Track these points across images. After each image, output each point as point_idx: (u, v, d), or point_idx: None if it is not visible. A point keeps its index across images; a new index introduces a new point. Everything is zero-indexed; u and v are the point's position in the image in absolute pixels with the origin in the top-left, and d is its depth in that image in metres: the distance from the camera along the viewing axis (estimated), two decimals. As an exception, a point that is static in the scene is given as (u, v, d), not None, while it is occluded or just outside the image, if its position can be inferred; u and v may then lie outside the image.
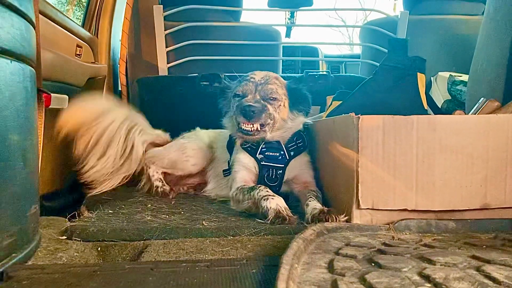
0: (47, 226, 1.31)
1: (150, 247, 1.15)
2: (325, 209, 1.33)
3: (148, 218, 1.42)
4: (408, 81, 1.55)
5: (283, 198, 1.49)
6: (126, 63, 2.83)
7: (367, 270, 0.81)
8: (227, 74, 2.63)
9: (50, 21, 1.97)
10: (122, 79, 2.80)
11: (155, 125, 2.63)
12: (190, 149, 1.98)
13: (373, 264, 0.86)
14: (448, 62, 2.91)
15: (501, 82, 1.65)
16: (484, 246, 1.01)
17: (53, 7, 2.04)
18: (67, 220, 1.40)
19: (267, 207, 1.36)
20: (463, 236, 1.16)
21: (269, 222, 1.32)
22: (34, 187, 1.08)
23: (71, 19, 2.29)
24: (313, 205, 1.37)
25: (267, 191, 1.44)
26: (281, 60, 3.10)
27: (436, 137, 1.23)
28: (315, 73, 2.79)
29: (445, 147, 1.23)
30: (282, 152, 1.62)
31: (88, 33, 2.54)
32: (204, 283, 0.81)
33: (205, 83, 2.61)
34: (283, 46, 3.99)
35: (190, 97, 2.60)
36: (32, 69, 1.12)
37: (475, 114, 1.51)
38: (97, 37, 2.68)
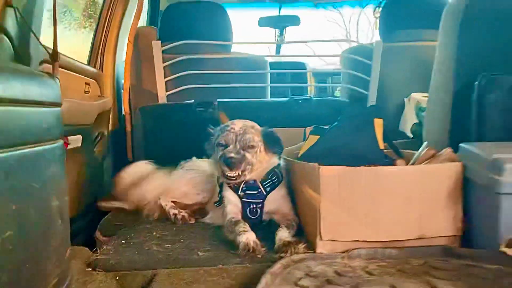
0: (74, 257, 1.64)
1: (157, 276, 1.48)
2: (287, 240, 1.65)
3: (154, 248, 1.75)
4: (367, 127, 1.88)
5: (267, 225, 1.85)
6: (129, 93, 3.15)
7: (312, 300, 1.15)
8: (220, 100, 2.96)
9: (64, 70, 2.28)
10: (125, 108, 3.13)
11: (157, 149, 2.96)
12: (201, 183, 2.26)
13: (319, 294, 1.19)
14: (420, 84, 3.19)
15: (447, 123, 1.99)
16: (407, 273, 1.34)
17: (65, 55, 2.36)
18: (90, 251, 1.74)
19: (239, 241, 1.68)
20: (400, 262, 1.48)
21: (238, 253, 1.64)
22: (68, 235, 1.41)
23: (79, 61, 2.61)
24: (280, 236, 1.70)
25: (244, 226, 1.76)
26: (269, 87, 3.40)
27: (380, 184, 1.57)
28: (298, 98, 3.10)
29: (387, 191, 1.57)
30: (259, 190, 1.94)
31: (94, 70, 2.86)
32: (197, 312, 1.15)
33: (200, 109, 2.94)
34: (273, 62, 4.30)
35: (188, 122, 2.91)
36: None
37: (417, 157, 1.84)
38: (102, 71, 3.00)
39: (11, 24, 1.53)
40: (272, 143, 1.99)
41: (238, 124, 1.95)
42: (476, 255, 1.47)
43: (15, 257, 1.03)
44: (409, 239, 1.59)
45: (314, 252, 1.62)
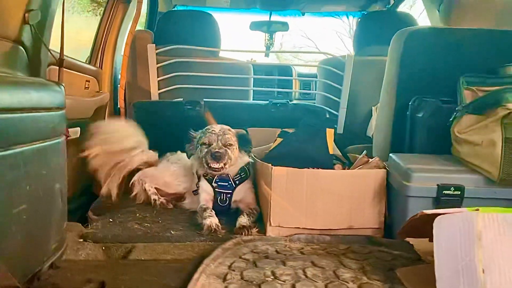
0: (69, 230, 2.01)
1: (135, 248, 1.85)
2: (243, 225, 2.03)
3: (136, 226, 2.12)
4: (319, 135, 2.25)
5: (234, 212, 2.23)
6: (125, 90, 3.52)
7: (248, 267, 1.53)
8: (206, 99, 3.33)
9: (67, 70, 2.64)
10: (121, 103, 3.49)
11: (148, 141, 3.31)
12: (181, 175, 2.62)
13: (254, 264, 1.57)
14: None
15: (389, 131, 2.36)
16: (331, 254, 1.72)
17: (70, 57, 2.72)
18: (82, 226, 2.12)
19: (204, 223, 2.07)
20: (331, 246, 1.86)
21: (203, 232, 2.02)
22: (65, 211, 1.78)
23: (80, 61, 2.98)
24: (239, 221, 2.08)
25: (210, 212, 2.14)
26: (251, 90, 3.77)
27: (318, 183, 1.95)
28: (276, 102, 3.47)
29: (324, 189, 1.95)
30: (230, 182, 2.31)
31: (94, 68, 3.23)
32: (162, 272, 1.52)
33: (188, 107, 3.31)
34: (261, 65, 4.67)
35: (177, 119, 3.28)
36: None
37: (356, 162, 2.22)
38: (101, 69, 3.37)
39: (27, 38, 1.90)
40: (244, 144, 2.36)
41: (217, 127, 2.33)
42: (389, 243, 1.85)
43: (27, 225, 1.41)
44: (340, 229, 1.98)
45: (265, 235, 2.00)
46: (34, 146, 1.45)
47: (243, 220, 2.11)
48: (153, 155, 2.80)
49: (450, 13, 2.28)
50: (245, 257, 1.65)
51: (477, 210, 1.24)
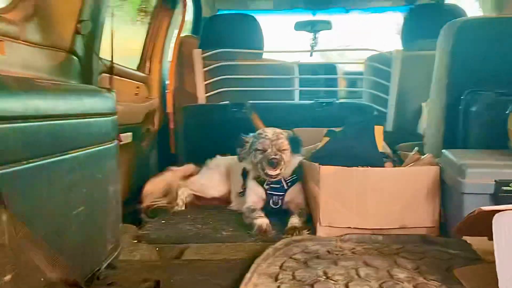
0: (124, 232, 2.07)
1: (188, 248, 1.89)
2: (293, 225, 2.03)
3: (187, 228, 2.17)
4: (367, 132, 2.21)
5: (285, 213, 2.22)
6: (174, 95, 3.61)
7: (299, 267, 1.52)
8: (251, 101, 3.35)
9: (119, 77, 2.73)
10: (169, 107, 3.58)
11: (197, 143, 3.38)
12: (216, 179, 2.70)
13: (306, 264, 1.56)
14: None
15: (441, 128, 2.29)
16: (384, 254, 1.69)
17: (120, 65, 2.81)
18: (136, 227, 2.18)
19: (255, 223, 2.08)
20: (384, 246, 1.82)
21: (253, 233, 2.03)
22: (120, 213, 1.84)
23: (130, 68, 3.07)
24: (290, 222, 2.08)
25: (260, 213, 2.16)
26: (297, 91, 3.77)
27: (368, 182, 1.91)
28: (322, 101, 3.44)
29: (374, 188, 1.91)
30: (281, 184, 2.31)
31: (143, 74, 3.32)
32: (214, 272, 1.55)
33: (235, 109, 3.34)
34: (305, 65, 4.66)
35: (224, 121, 3.32)
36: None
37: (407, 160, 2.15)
38: (150, 75, 3.46)
39: (79, 47, 1.98)
40: (296, 146, 2.35)
41: (270, 132, 2.31)
42: (444, 242, 1.79)
43: (85, 226, 1.46)
44: (392, 228, 1.93)
45: (315, 235, 1.98)
46: (88, 150, 1.51)
47: (294, 220, 2.11)
48: (188, 168, 2.93)
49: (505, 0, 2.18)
50: (295, 257, 1.65)
51: (541, 206, 1.18)
